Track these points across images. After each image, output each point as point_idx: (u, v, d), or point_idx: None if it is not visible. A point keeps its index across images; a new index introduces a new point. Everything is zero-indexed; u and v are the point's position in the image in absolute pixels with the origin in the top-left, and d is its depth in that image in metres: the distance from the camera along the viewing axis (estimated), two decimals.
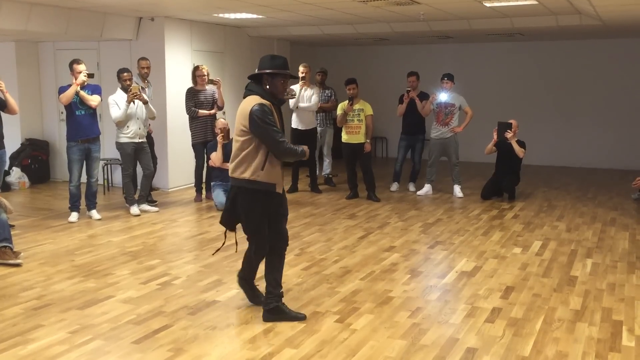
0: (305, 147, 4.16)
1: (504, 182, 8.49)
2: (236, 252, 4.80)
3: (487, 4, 7.63)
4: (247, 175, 3.97)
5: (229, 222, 4.26)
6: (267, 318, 4.16)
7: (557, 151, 12.05)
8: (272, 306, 4.17)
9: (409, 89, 8.89)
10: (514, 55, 12.21)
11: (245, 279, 4.43)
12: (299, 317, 4.18)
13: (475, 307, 4.44)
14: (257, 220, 4.06)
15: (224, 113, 9.27)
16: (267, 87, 4.01)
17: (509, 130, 8.30)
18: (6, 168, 7.48)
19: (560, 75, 11.93)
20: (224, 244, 4.48)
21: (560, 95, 11.98)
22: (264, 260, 4.23)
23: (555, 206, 8.15)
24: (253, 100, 3.95)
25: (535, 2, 7.45)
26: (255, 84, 4.05)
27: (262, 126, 3.87)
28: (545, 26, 9.08)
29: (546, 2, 7.47)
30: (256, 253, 4.21)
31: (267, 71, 4.00)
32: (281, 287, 4.24)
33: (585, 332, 4.00)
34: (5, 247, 5.46)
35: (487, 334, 3.98)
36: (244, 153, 3.98)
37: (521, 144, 8.39)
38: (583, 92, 11.79)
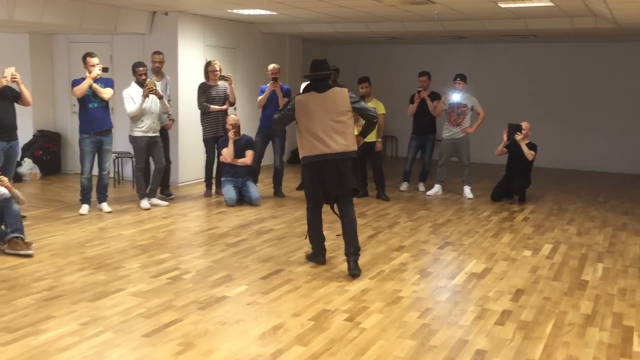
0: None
1: (514, 184, 8.46)
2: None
3: (502, 5, 7.60)
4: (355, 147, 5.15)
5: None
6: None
7: (568, 154, 11.98)
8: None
9: (420, 88, 8.87)
10: (527, 57, 12.15)
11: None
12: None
13: (485, 309, 4.43)
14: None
15: (235, 109, 9.27)
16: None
17: (518, 132, 8.27)
18: (18, 159, 7.52)
19: (573, 77, 11.86)
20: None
21: (572, 98, 11.91)
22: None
23: (566, 209, 8.11)
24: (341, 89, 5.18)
25: (551, 4, 7.40)
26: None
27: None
28: (560, 28, 9.02)
29: (562, 4, 7.43)
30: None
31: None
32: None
33: (596, 337, 3.99)
34: (17, 237, 5.50)
35: (497, 336, 3.97)
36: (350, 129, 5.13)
37: (532, 146, 8.34)
38: (596, 95, 11.72)
